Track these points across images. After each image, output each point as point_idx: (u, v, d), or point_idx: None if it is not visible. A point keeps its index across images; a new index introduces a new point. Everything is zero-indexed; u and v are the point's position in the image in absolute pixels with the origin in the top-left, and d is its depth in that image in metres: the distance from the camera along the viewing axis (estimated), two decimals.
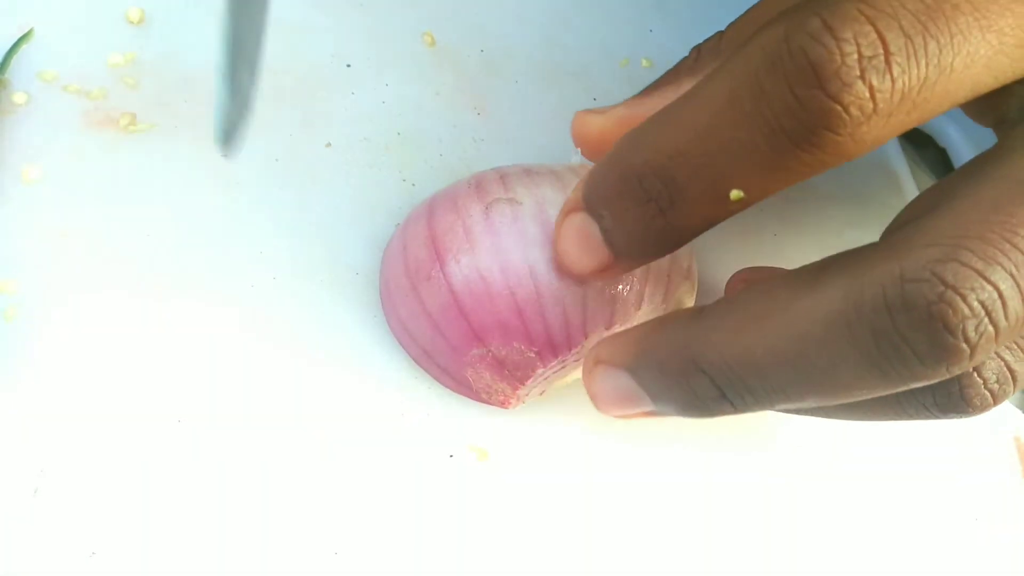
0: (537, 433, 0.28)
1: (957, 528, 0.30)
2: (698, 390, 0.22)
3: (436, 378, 0.28)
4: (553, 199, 0.27)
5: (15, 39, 0.30)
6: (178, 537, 0.24)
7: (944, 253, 0.19)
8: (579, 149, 0.29)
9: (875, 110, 0.19)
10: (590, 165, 0.26)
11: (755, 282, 0.22)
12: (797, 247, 0.23)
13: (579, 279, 0.25)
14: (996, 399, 0.22)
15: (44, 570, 0.23)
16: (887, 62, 0.18)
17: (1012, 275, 0.19)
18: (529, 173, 0.28)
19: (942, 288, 0.18)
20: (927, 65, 0.19)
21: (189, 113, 0.31)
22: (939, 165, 0.42)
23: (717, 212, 0.21)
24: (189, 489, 0.25)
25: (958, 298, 0.18)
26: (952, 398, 0.22)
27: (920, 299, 0.18)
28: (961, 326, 0.18)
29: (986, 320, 0.18)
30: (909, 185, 0.38)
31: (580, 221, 0.24)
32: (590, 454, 0.29)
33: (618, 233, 0.23)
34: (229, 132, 0.22)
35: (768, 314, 0.21)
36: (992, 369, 0.22)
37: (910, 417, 0.23)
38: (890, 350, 0.19)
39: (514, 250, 0.26)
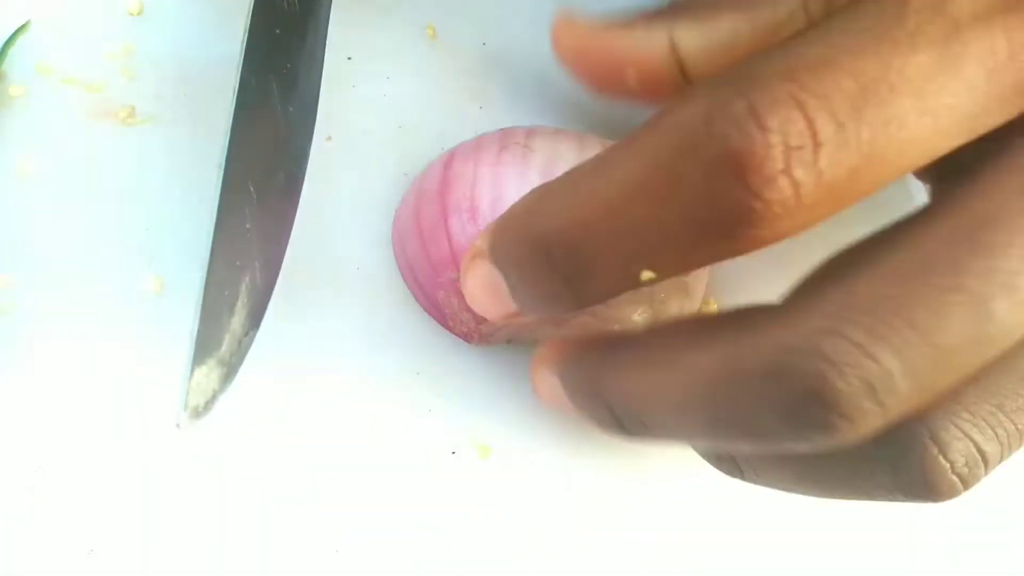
0: (540, 430, 0.28)
1: (961, 527, 0.30)
2: (600, 415, 0.22)
3: (415, 296, 0.29)
4: (567, 156, 0.27)
5: (12, 31, 0.30)
6: (178, 535, 0.24)
7: (829, 326, 0.17)
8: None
9: (798, 204, 0.17)
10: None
11: (668, 322, 0.22)
12: (803, 246, 0.23)
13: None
14: (967, 484, 0.20)
15: (42, 568, 0.23)
16: (815, 154, 0.17)
17: (899, 351, 0.17)
18: (556, 133, 0.29)
19: (819, 362, 0.17)
20: (858, 154, 0.17)
21: (188, 105, 0.31)
22: (947, 159, 0.41)
23: (625, 287, 0.20)
24: (189, 486, 0.25)
25: (834, 373, 0.17)
26: (916, 483, 0.20)
27: (795, 371, 0.17)
28: (836, 403, 0.17)
29: (866, 398, 0.17)
30: (916, 181, 0.37)
31: (487, 272, 0.22)
32: (594, 452, 0.28)
33: (524, 294, 0.22)
34: (206, 404, 0.22)
35: (664, 358, 0.20)
36: (960, 451, 0.19)
37: (875, 498, 0.21)
38: (764, 417, 0.18)
39: (510, 188, 0.27)
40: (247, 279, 0.24)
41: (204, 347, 0.23)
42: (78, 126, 0.29)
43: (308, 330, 0.28)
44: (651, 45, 0.25)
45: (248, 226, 0.24)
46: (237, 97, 0.26)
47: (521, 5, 0.37)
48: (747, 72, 0.18)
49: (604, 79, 0.26)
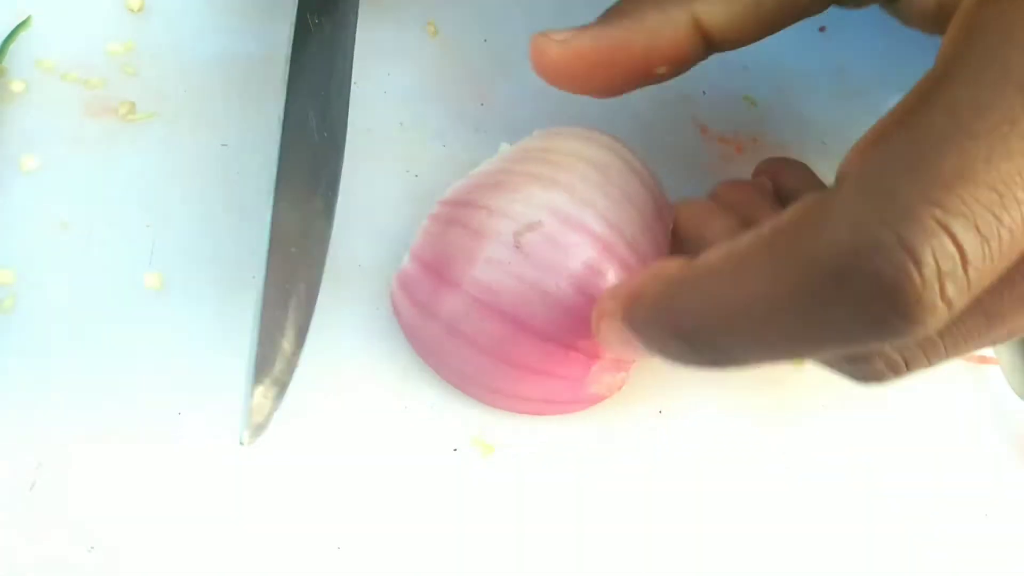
0: (542, 428, 0.28)
1: (967, 524, 0.30)
2: (675, 349, 0.22)
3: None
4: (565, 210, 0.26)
5: (13, 27, 0.30)
6: (179, 532, 0.24)
7: (903, 211, 0.17)
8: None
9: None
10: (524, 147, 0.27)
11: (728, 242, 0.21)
12: None
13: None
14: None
15: (42, 565, 0.23)
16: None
17: (976, 227, 0.17)
18: (552, 135, 0.28)
19: (901, 253, 0.17)
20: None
21: (189, 102, 0.31)
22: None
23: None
24: (189, 483, 0.25)
25: (911, 264, 0.17)
26: (861, 368, 0.22)
27: (873, 267, 0.17)
28: (921, 293, 0.17)
29: (951, 276, 0.17)
30: None
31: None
32: (595, 450, 0.28)
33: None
34: (264, 421, 0.22)
35: (736, 278, 0.20)
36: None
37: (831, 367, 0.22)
38: (850, 316, 0.18)
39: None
40: (293, 300, 0.25)
41: (261, 368, 0.23)
42: (79, 122, 0.29)
43: (310, 329, 0.28)
44: (674, 27, 0.25)
45: (293, 250, 0.25)
46: (284, 127, 0.27)
47: (522, 2, 0.37)
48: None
49: (612, 78, 0.26)
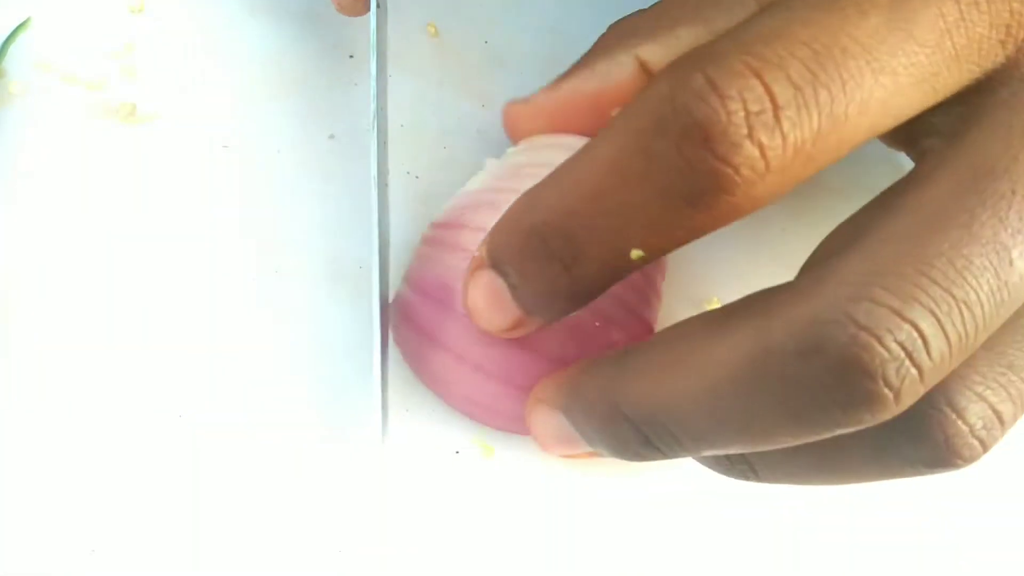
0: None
1: (969, 525, 0.30)
2: (623, 436, 0.21)
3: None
4: None
5: (12, 28, 0.30)
6: (180, 535, 0.24)
7: (856, 292, 0.17)
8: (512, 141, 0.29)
9: (768, 168, 0.18)
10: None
11: (676, 324, 0.22)
12: (805, 242, 0.23)
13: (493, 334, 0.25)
14: (986, 446, 0.20)
15: (44, 568, 0.23)
16: (776, 117, 0.18)
17: (932, 311, 0.17)
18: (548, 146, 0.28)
19: (855, 330, 0.17)
20: (819, 116, 0.18)
21: (190, 103, 0.30)
22: (924, 127, 0.41)
23: (620, 268, 0.21)
24: (190, 486, 0.25)
25: (873, 340, 0.17)
26: (938, 451, 0.20)
27: (831, 343, 0.17)
28: (880, 370, 0.17)
29: (907, 362, 0.17)
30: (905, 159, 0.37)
31: (488, 279, 0.23)
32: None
33: (525, 291, 0.22)
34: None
35: (683, 360, 0.20)
36: (976, 414, 0.19)
37: (897, 474, 0.21)
38: (806, 398, 0.18)
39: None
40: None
41: (383, 380, 0.25)
42: (79, 124, 0.29)
43: (309, 327, 0.28)
44: (620, 69, 0.26)
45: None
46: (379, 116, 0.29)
47: (523, 3, 0.37)
48: (704, 51, 0.19)
49: (572, 126, 0.27)
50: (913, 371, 0.17)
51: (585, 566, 0.26)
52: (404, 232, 0.30)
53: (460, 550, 0.26)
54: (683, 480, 0.28)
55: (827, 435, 0.19)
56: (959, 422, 0.19)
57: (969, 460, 0.20)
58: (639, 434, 0.21)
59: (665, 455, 0.21)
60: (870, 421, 0.18)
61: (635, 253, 0.20)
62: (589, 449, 0.24)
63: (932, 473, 0.20)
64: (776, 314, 0.18)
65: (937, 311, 0.17)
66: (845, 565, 0.28)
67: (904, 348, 0.17)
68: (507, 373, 0.25)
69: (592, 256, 0.20)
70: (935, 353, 0.17)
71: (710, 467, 0.24)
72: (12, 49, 0.29)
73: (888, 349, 0.17)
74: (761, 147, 0.18)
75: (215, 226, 0.28)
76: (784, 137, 0.18)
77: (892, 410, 0.18)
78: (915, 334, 0.17)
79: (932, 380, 0.18)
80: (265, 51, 0.32)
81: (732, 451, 0.21)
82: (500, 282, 0.23)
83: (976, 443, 0.20)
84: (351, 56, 0.33)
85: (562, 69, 0.28)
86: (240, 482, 0.25)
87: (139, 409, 0.25)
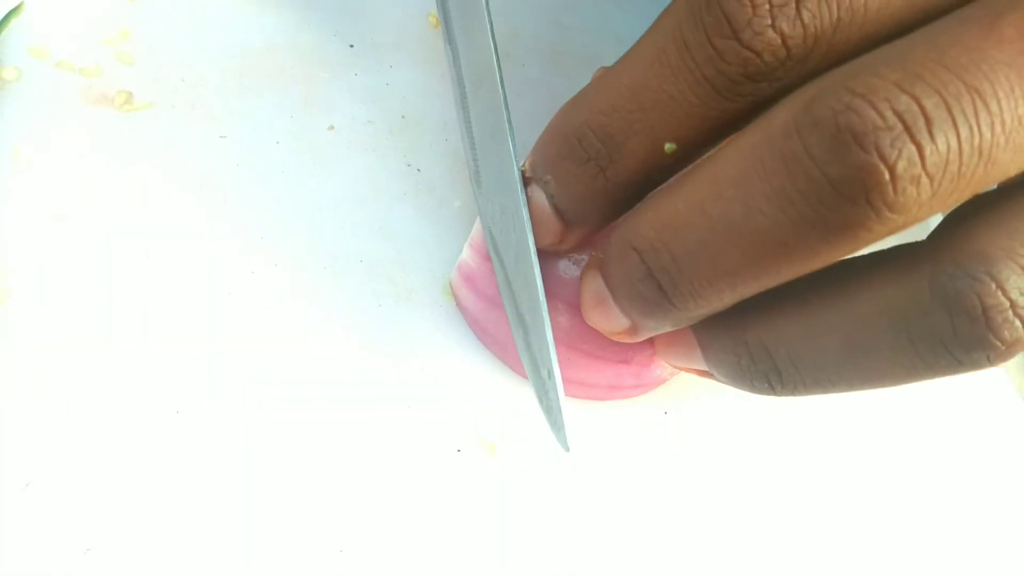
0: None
1: (972, 525, 0.30)
2: (632, 272, 0.22)
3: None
4: None
5: (5, 13, 0.29)
6: (177, 534, 0.23)
7: (859, 68, 0.17)
8: None
9: (788, 55, 0.19)
10: None
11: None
12: None
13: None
14: None
15: (38, 567, 0.22)
16: (797, 8, 0.19)
17: (938, 91, 0.16)
18: None
19: (849, 97, 0.17)
20: (838, 7, 0.19)
21: (186, 92, 0.30)
22: None
23: (654, 166, 0.22)
24: (188, 484, 0.24)
25: (866, 105, 0.17)
26: (975, 326, 0.18)
27: (827, 111, 0.17)
28: (873, 139, 0.16)
29: (904, 136, 0.16)
30: None
31: (531, 192, 0.24)
32: (598, 450, 0.28)
33: (563, 197, 0.23)
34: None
35: (686, 176, 0.21)
36: (1020, 289, 0.18)
37: (930, 365, 0.20)
38: (801, 177, 0.17)
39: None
40: None
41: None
42: (74, 112, 0.28)
43: (308, 323, 0.27)
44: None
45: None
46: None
47: None
48: None
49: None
50: (911, 148, 0.17)
51: (586, 563, 0.26)
52: (405, 227, 0.29)
53: (462, 549, 0.25)
54: (688, 479, 0.28)
55: (827, 238, 0.18)
56: (999, 293, 0.18)
57: (1008, 344, 0.19)
58: (643, 265, 0.21)
59: (668, 295, 0.21)
60: (865, 206, 0.17)
61: (668, 147, 0.21)
62: (618, 314, 0.24)
63: (967, 363, 0.19)
64: (779, 107, 0.19)
65: (944, 92, 0.17)
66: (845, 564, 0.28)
67: (902, 120, 0.16)
68: (568, 337, 0.26)
69: (628, 152, 0.22)
70: (939, 140, 0.17)
71: (733, 383, 0.24)
72: (5, 35, 0.29)
73: (883, 115, 0.17)
74: (782, 35, 0.19)
75: (212, 218, 0.28)
76: (804, 27, 0.19)
77: (888, 194, 0.17)
78: (915, 107, 0.16)
79: (940, 182, 0.17)
80: (264, 39, 0.32)
81: (740, 278, 0.20)
82: (540, 193, 0.24)
83: (1018, 323, 0.18)
84: (351, 46, 0.33)
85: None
86: (238, 480, 0.24)
87: (136, 405, 0.25)
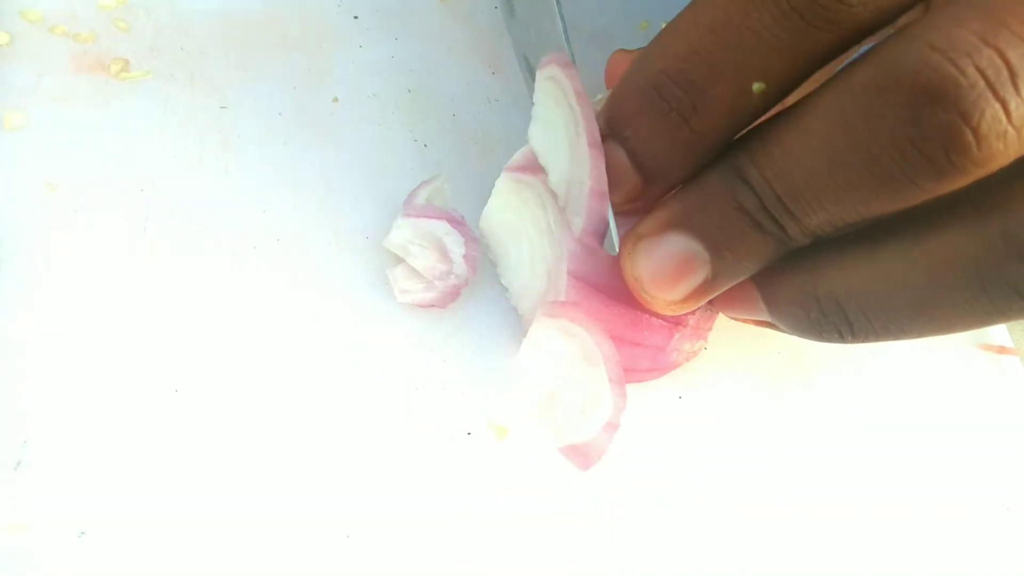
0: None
1: (985, 517, 0.29)
2: (746, 202, 0.21)
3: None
4: None
5: None
6: (176, 519, 0.22)
7: (940, 19, 0.16)
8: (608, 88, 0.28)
9: None
10: None
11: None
12: None
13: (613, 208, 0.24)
14: None
15: (30, 553, 0.21)
16: None
17: None
18: None
19: (928, 53, 0.16)
20: None
21: (185, 61, 0.29)
22: None
23: (741, 110, 0.20)
24: (187, 466, 0.23)
25: (946, 62, 0.16)
26: None
27: (904, 69, 0.16)
28: (954, 98, 0.16)
29: (988, 93, 0.16)
30: None
31: (608, 148, 0.23)
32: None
33: (644, 153, 0.22)
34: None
35: (790, 113, 0.20)
36: None
37: (1003, 313, 0.19)
38: (883, 140, 0.17)
39: None
40: None
41: None
42: (67, 78, 0.27)
43: (312, 300, 0.26)
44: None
45: None
46: None
47: None
48: None
49: None
50: (996, 105, 0.16)
51: (598, 547, 0.25)
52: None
53: (472, 531, 0.24)
54: (697, 464, 0.27)
55: (911, 193, 0.18)
56: None
57: None
58: (755, 196, 0.20)
59: (780, 221, 0.20)
60: (949, 167, 0.16)
61: (757, 86, 0.20)
62: (707, 271, 0.23)
63: None
64: (863, 60, 0.18)
65: None
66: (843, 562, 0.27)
67: (984, 76, 0.16)
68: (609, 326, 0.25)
69: (713, 98, 0.20)
70: None
71: (800, 333, 0.23)
72: None
73: (964, 72, 0.16)
74: None
75: (212, 192, 0.27)
76: None
77: (973, 153, 0.16)
78: (999, 61, 0.16)
79: None
80: (267, 8, 0.31)
81: (836, 209, 0.19)
82: (618, 150, 0.23)
83: None
84: (355, 17, 0.32)
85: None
86: (240, 463, 0.23)
87: (131, 380, 0.23)
